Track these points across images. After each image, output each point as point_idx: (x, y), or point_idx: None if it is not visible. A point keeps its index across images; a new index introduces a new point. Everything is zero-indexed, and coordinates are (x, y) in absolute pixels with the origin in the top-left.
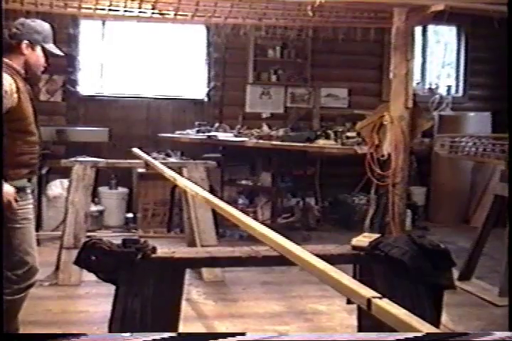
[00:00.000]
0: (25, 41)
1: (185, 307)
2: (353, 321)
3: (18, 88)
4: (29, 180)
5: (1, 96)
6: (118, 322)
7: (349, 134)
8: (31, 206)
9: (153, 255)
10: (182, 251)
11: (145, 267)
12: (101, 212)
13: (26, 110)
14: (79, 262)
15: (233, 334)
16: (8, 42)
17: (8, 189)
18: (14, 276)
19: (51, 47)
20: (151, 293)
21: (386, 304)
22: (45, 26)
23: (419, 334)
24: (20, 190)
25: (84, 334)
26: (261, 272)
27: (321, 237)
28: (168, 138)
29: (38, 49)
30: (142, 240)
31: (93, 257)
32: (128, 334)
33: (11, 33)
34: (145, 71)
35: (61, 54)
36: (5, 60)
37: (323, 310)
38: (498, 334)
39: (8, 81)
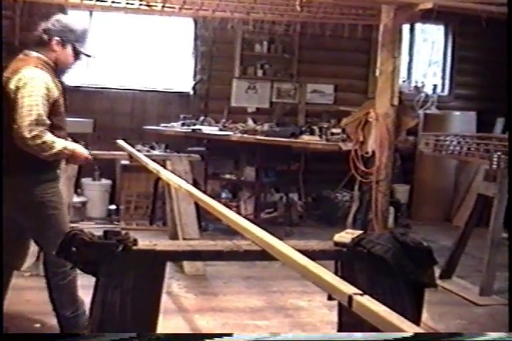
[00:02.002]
0: (57, 38)
1: (165, 300)
2: (334, 317)
3: (56, 84)
4: (58, 169)
5: (1, 94)
6: (97, 314)
7: (334, 130)
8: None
9: (135, 247)
10: (163, 243)
11: (126, 259)
12: (84, 204)
13: (61, 106)
14: (59, 253)
15: (220, 335)
16: (40, 36)
17: (77, 147)
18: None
19: (83, 47)
20: (132, 285)
21: (367, 301)
22: (80, 26)
23: (407, 335)
24: (53, 180)
25: (83, 335)
26: (242, 266)
27: (303, 233)
28: (153, 130)
29: (69, 47)
30: (124, 232)
31: (74, 248)
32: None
33: (46, 28)
34: (131, 63)
35: (93, 56)
36: (40, 55)
37: (304, 305)
38: (492, 335)
39: (47, 78)
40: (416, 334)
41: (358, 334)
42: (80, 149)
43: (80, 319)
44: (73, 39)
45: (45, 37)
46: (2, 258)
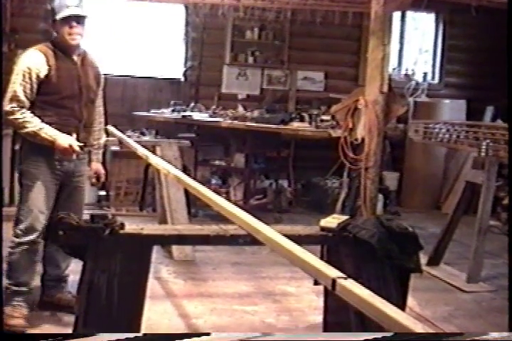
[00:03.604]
0: (49, 21)
1: (154, 285)
2: (321, 303)
3: (49, 66)
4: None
5: (1, 88)
6: (84, 297)
7: (324, 117)
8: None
9: (121, 231)
10: (150, 228)
11: (112, 243)
12: None
13: (56, 85)
14: (47, 236)
15: (199, 335)
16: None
17: (59, 137)
18: (17, 230)
19: (61, 14)
20: (118, 269)
21: (350, 284)
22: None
23: (388, 334)
24: (40, 155)
25: (85, 335)
26: (231, 252)
27: (292, 219)
28: (144, 116)
29: (60, 22)
30: (110, 216)
31: (61, 232)
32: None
33: None
34: (122, 49)
35: (69, 14)
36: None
37: (292, 291)
38: (494, 335)
39: (36, 58)
40: (396, 334)
41: (340, 334)
42: (60, 140)
43: (67, 283)
44: (55, 13)
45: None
46: (2, 262)
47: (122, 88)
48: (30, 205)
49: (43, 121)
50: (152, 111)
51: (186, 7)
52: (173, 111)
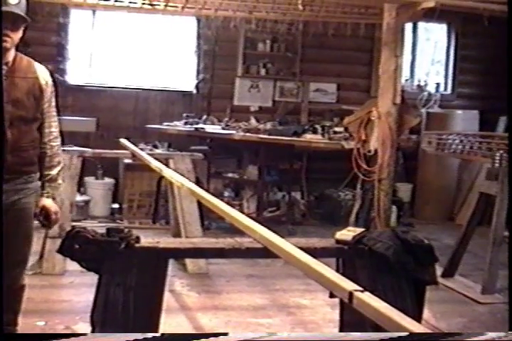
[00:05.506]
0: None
1: (168, 298)
2: (336, 316)
3: None
4: None
5: (1, 93)
6: (100, 311)
7: (337, 129)
8: None
9: (137, 244)
10: (166, 241)
11: (128, 256)
12: (87, 202)
13: None
14: (62, 250)
15: (216, 335)
16: None
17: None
18: None
19: None
20: (134, 282)
21: (367, 297)
22: None
23: (403, 334)
24: None
25: (84, 334)
26: (245, 265)
27: (306, 232)
28: (156, 129)
29: None
30: (126, 230)
31: (76, 246)
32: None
33: None
34: (134, 62)
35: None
36: None
37: (306, 304)
38: (491, 335)
39: None
40: (411, 334)
41: (355, 334)
42: None
43: None
44: None
45: None
46: (2, 258)
47: (134, 101)
48: None
49: None
50: (164, 124)
51: (198, 20)
52: (185, 123)
